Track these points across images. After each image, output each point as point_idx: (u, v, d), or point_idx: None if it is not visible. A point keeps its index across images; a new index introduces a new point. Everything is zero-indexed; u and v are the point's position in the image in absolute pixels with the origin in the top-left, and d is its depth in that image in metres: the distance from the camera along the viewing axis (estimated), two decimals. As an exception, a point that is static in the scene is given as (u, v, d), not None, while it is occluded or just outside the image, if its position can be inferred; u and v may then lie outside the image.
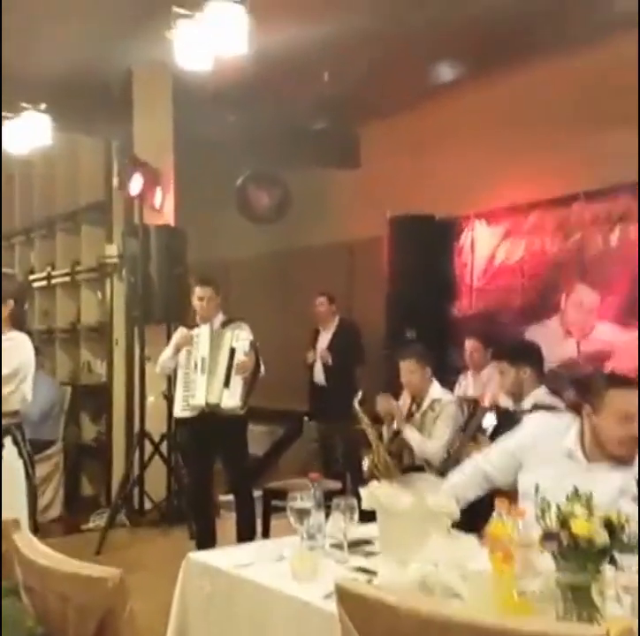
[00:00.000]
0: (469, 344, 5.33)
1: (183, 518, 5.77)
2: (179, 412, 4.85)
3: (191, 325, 4.97)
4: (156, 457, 6.07)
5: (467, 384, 5.31)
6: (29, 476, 3.63)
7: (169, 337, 6.27)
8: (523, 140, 6.27)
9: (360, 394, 4.53)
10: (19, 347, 3.61)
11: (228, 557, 2.45)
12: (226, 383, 4.69)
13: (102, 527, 5.58)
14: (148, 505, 6.19)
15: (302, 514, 2.35)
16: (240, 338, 4.74)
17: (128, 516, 6.10)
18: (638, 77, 5.11)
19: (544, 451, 2.65)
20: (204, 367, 4.72)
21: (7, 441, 3.59)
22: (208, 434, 4.80)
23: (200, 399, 4.71)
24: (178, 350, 4.89)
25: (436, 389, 4.48)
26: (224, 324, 4.92)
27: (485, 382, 5.08)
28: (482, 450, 3.73)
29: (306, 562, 2.21)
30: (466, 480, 2.81)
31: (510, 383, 3.78)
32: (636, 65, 5.06)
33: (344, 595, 1.61)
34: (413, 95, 7.00)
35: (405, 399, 4.59)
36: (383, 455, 4.31)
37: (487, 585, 1.91)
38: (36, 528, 3.62)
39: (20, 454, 3.63)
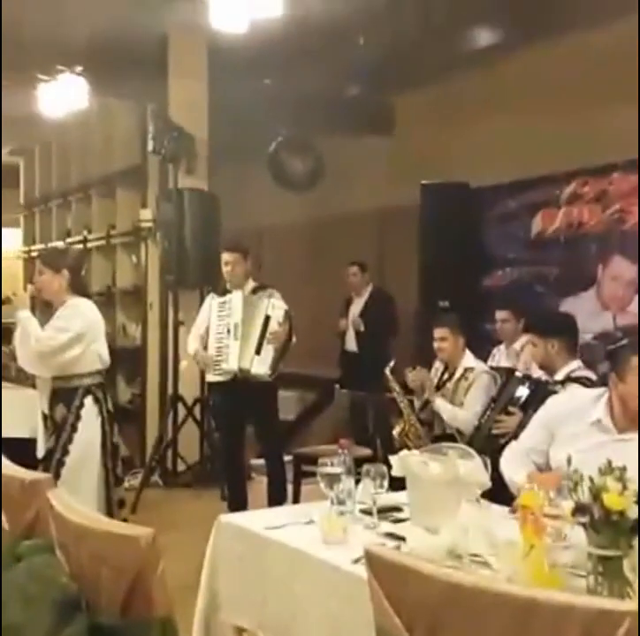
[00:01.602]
0: (500, 315, 5.27)
1: (215, 480, 5.85)
2: (212, 376, 4.89)
3: (222, 292, 4.98)
4: (189, 420, 6.15)
5: (500, 355, 5.27)
6: (106, 433, 3.75)
7: (202, 302, 6.33)
8: (561, 107, 6.14)
9: (392, 362, 4.53)
10: (82, 311, 3.78)
11: (259, 520, 2.47)
12: (258, 350, 4.71)
13: (137, 487, 5.67)
14: (181, 467, 6.28)
15: (332, 479, 2.36)
16: (276, 307, 4.75)
17: (162, 477, 6.21)
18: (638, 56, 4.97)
19: (575, 424, 2.63)
20: (237, 333, 4.74)
21: (88, 400, 3.71)
22: (239, 398, 4.84)
23: (232, 364, 4.73)
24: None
25: (469, 359, 4.46)
26: (255, 291, 4.93)
27: (518, 352, 5.03)
28: (513, 421, 3.73)
29: (335, 526, 2.23)
30: (514, 460, 2.77)
31: (543, 355, 3.73)
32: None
33: (373, 560, 1.61)
34: (449, 62, 6.87)
35: (437, 368, 4.58)
36: (413, 423, 4.32)
37: (517, 555, 1.90)
38: (117, 482, 3.79)
39: (100, 412, 3.75)
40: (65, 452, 3.70)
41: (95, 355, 3.83)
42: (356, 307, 7.06)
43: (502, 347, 5.31)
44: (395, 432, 4.34)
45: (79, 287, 3.91)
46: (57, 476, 3.58)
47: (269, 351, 4.72)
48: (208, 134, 6.53)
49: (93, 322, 3.85)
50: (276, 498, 4.82)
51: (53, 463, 3.68)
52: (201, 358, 4.86)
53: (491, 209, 6.76)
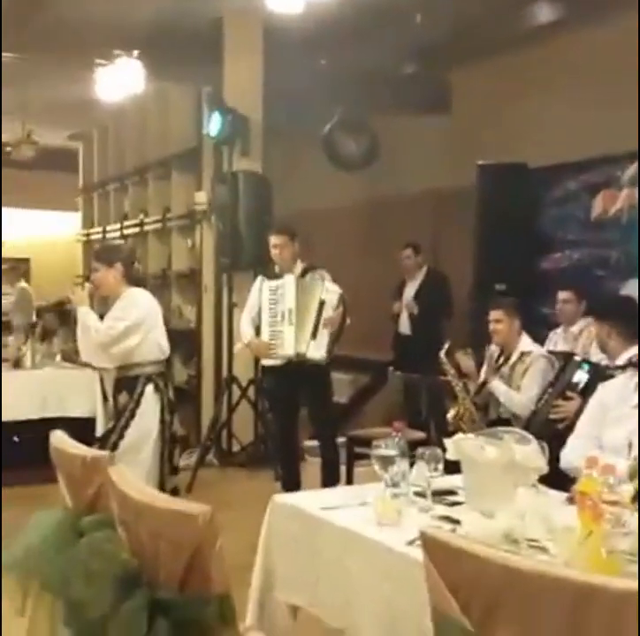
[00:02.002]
0: (562, 296, 5.18)
1: (269, 460, 5.92)
2: (267, 361, 4.93)
3: (272, 275, 4.98)
4: (244, 401, 6.21)
5: (557, 339, 5.19)
6: (165, 422, 3.84)
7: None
8: (625, 87, 5.96)
9: (447, 345, 4.50)
10: (137, 300, 3.89)
11: (313, 500, 2.49)
12: (314, 335, 4.73)
13: (193, 466, 5.76)
14: (235, 447, 6.36)
15: (386, 461, 2.36)
16: (330, 291, 4.76)
17: (217, 456, 6.29)
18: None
19: (620, 407, 2.60)
20: (291, 318, 4.75)
21: (149, 388, 3.81)
22: (294, 381, 4.88)
23: (288, 349, 4.75)
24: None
25: (525, 342, 4.41)
26: (305, 272, 4.93)
27: (577, 336, 4.95)
28: (572, 406, 3.67)
29: (389, 508, 2.23)
30: (578, 446, 2.74)
31: (603, 339, 3.66)
32: None
33: (429, 542, 1.61)
34: (507, 39, 6.73)
35: (493, 351, 4.53)
36: (468, 407, 4.29)
37: (575, 541, 1.88)
38: (172, 472, 3.88)
39: (160, 401, 3.86)
40: (121, 436, 3.82)
41: (155, 344, 3.94)
42: (410, 290, 7.02)
43: (559, 330, 5.23)
44: (450, 415, 4.32)
45: (133, 278, 4.08)
46: None
47: (324, 335, 4.74)
48: (262, 116, 6.54)
49: (149, 310, 3.96)
50: (330, 479, 4.85)
51: (108, 445, 3.78)
52: (256, 345, 4.89)
53: (551, 190, 6.62)
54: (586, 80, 6.28)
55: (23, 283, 9.29)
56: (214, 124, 6.22)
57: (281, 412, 5.13)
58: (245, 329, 5.00)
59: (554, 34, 6.46)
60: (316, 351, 4.73)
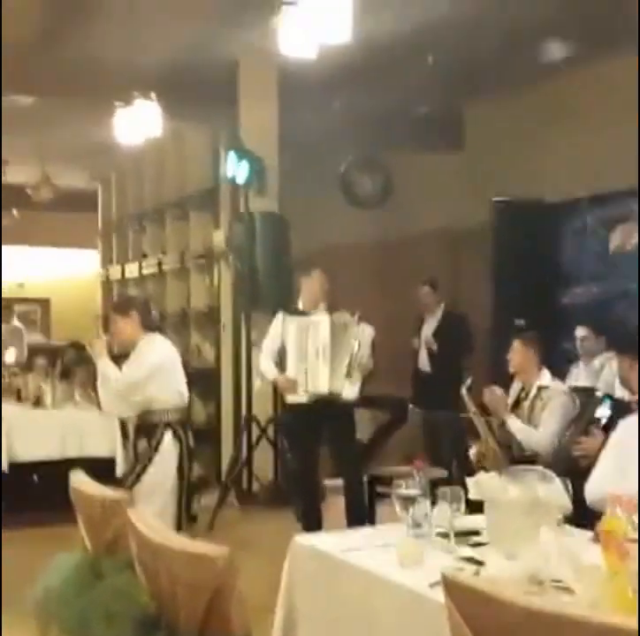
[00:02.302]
0: (580, 333, 5.15)
1: (290, 500, 5.86)
2: (293, 398, 4.88)
3: (294, 312, 4.98)
4: (264, 440, 6.19)
5: (578, 373, 5.15)
6: (183, 469, 3.86)
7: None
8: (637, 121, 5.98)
9: (468, 381, 4.46)
10: (154, 346, 3.94)
11: (334, 541, 2.47)
12: (349, 374, 4.73)
13: (213, 507, 5.72)
14: (256, 487, 6.32)
15: (408, 502, 2.34)
16: (366, 333, 4.80)
17: (237, 496, 6.25)
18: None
19: None
20: (326, 356, 4.75)
21: (168, 435, 3.83)
22: (318, 419, 4.87)
23: (322, 387, 4.76)
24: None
25: (545, 377, 4.37)
26: (329, 311, 4.94)
27: (598, 371, 4.90)
28: (595, 442, 3.62)
29: (412, 549, 2.20)
30: (602, 479, 2.70)
31: (625, 373, 3.63)
32: None
33: (450, 586, 1.59)
34: (520, 76, 6.80)
35: (515, 388, 4.49)
36: (492, 445, 4.23)
37: (601, 581, 1.85)
38: (190, 519, 3.87)
39: (180, 448, 3.91)
40: (136, 481, 3.82)
41: (174, 391, 3.97)
42: (429, 327, 7.00)
43: (581, 364, 5.19)
44: (472, 453, 4.27)
45: (150, 325, 4.10)
46: None
47: (358, 375, 4.76)
48: (278, 157, 6.61)
49: (166, 356, 4.00)
50: (356, 519, 4.77)
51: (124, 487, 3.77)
52: (284, 381, 4.88)
53: (567, 225, 6.63)
54: (600, 115, 6.32)
55: (16, 322, 9.45)
56: (241, 171, 6.27)
57: (302, 450, 5.09)
58: (267, 366, 4.99)
59: (568, 69, 6.51)
60: (351, 390, 4.77)
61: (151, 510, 3.73)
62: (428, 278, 7.06)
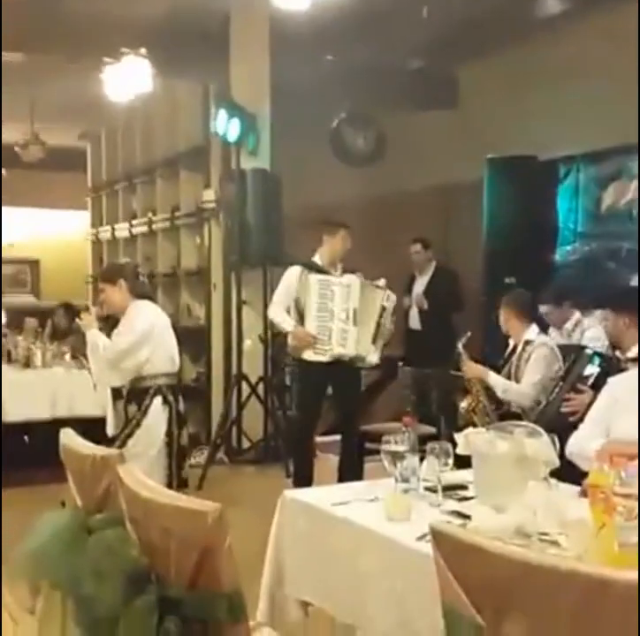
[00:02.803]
0: (543, 308, 5.08)
1: (279, 457, 5.92)
2: (312, 356, 4.85)
3: (313, 267, 4.91)
4: (253, 398, 6.22)
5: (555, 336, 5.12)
6: (172, 435, 3.89)
7: (265, 281, 6.37)
8: (631, 76, 5.92)
9: (465, 337, 4.46)
10: (142, 312, 3.92)
11: (324, 496, 2.48)
12: (374, 340, 4.75)
13: (203, 463, 5.76)
14: (245, 444, 6.36)
15: (396, 457, 2.35)
16: (390, 299, 4.81)
17: (227, 454, 6.30)
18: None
19: (630, 398, 2.58)
20: (356, 319, 4.74)
21: (157, 400, 3.83)
22: (331, 378, 4.89)
23: (349, 350, 4.77)
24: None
25: (531, 332, 4.39)
26: (345, 271, 4.94)
27: (570, 333, 4.92)
28: (583, 399, 3.65)
29: (400, 503, 2.22)
30: (585, 436, 2.72)
31: (618, 331, 3.64)
32: None
33: (439, 538, 1.60)
34: (514, 31, 6.69)
35: (510, 345, 4.51)
36: (482, 399, 4.26)
37: (587, 535, 1.87)
38: (180, 485, 3.88)
39: (169, 413, 3.91)
40: (123, 445, 3.84)
41: (166, 356, 3.97)
42: (420, 285, 7.00)
43: (552, 332, 5.15)
44: (462, 406, 4.29)
45: (139, 292, 4.07)
46: None
47: (381, 340, 4.78)
48: (270, 113, 6.53)
49: (155, 321, 3.99)
50: (350, 472, 4.81)
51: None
52: (305, 335, 4.82)
53: (561, 183, 6.59)
54: (595, 71, 6.24)
55: None
56: (232, 128, 6.19)
57: (309, 406, 5.08)
58: (282, 317, 4.93)
59: (562, 25, 6.41)
60: (375, 355, 4.80)
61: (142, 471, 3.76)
62: (419, 236, 7.04)
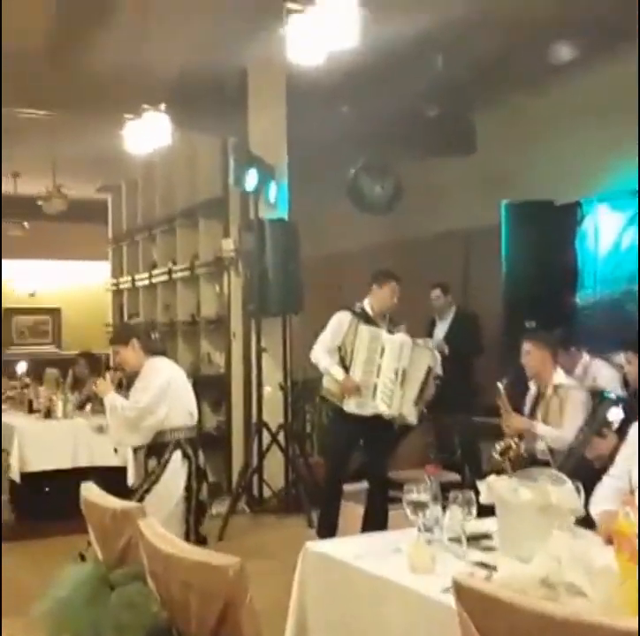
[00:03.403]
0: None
1: (300, 506, 5.86)
2: (353, 408, 4.80)
3: (362, 317, 4.88)
4: (274, 447, 6.18)
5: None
6: (191, 489, 3.89)
7: (284, 329, 6.39)
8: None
9: (505, 380, 4.38)
10: (157, 367, 3.97)
11: (345, 547, 2.46)
12: (417, 402, 4.73)
13: (224, 514, 5.72)
14: (266, 493, 6.31)
15: (418, 507, 2.33)
16: (437, 361, 4.81)
17: (248, 504, 6.24)
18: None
19: None
20: (404, 379, 4.73)
21: (177, 454, 3.84)
22: (366, 430, 4.84)
23: (394, 410, 4.74)
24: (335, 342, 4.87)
25: (559, 376, 4.34)
26: (392, 323, 4.92)
27: (582, 377, 4.87)
28: (607, 444, 3.59)
29: (423, 554, 2.19)
30: (606, 492, 2.66)
31: (637, 374, 3.61)
32: None
33: (461, 591, 1.58)
34: (530, 78, 6.79)
35: (532, 390, 4.46)
36: (517, 442, 4.18)
37: (613, 584, 1.83)
38: (199, 540, 3.85)
39: (189, 468, 3.91)
40: (141, 499, 3.80)
41: (185, 410, 3.98)
42: (440, 330, 6.98)
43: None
44: (495, 451, 4.21)
45: (153, 349, 4.10)
46: None
47: (422, 402, 4.77)
48: (288, 164, 6.63)
49: (172, 376, 4.00)
50: (378, 522, 4.74)
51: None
52: (351, 386, 4.75)
53: (579, 226, 6.60)
54: (608, 116, 6.29)
55: None
56: (250, 179, 6.28)
57: (340, 456, 5.03)
58: (329, 361, 4.84)
59: (576, 71, 6.49)
60: (414, 416, 4.77)
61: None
62: (439, 281, 7.05)
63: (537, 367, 4.36)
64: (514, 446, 4.17)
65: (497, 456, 4.18)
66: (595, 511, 2.51)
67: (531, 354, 4.36)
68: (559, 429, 4.17)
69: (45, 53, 6.15)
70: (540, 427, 4.22)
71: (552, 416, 4.24)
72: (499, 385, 4.34)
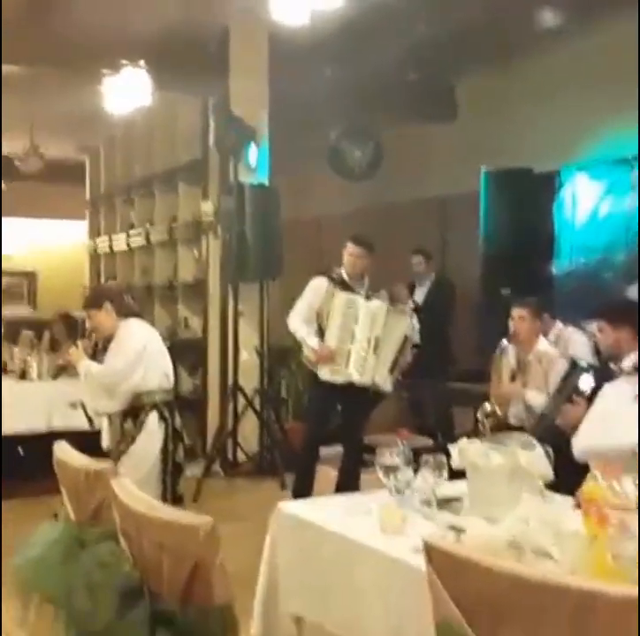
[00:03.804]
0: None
1: (275, 470, 5.90)
2: (327, 375, 4.79)
3: (339, 283, 4.85)
4: (249, 411, 6.20)
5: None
6: (168, 451, 3.88)
7: (262, 295, 6.37)
8: (630, 90, 5.95)
9: (487, 407, 4.36)
10: (132, 330, 3.91)
11: (317, 508, 2.47)
12: (392, 370, 4.71)
13: (199, 476, 5.74)
14: (241, 457, 6.34)
15: (390, 470, 2.35)
16: (415, 328, 4.75)
17: (223, 467, 6.27)
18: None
19: (618, 402, 2.58)
20: (377, 347, 4.69)
21: (153, 415, 3.82)
22: (343, 396, 4.86)
23: (367, 379, 4.72)
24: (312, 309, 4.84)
25: (542, 344, 4.37)
26: (371, 289, 4.88)
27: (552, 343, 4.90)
28: (578, 411, 3.64)
29: (394, 516, 2.21)
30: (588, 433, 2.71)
31: (609, 343, 3.64)
32: None
33: (432, 552, 1.59)
34: (512, 45, 6.73)
35: (511, 354, 4.47)
36: (502, 410, 4.21)
37: (581, 547, 1.86)
38: (175, 500, 3.86)
39: (165, 430, 3.90)
40: (118, 460, 3.80)
41: (161, 373, 3.94)
42: (418, 296, 6.98)
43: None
44: (480, 413, 4.22)
45: (127, 311, 4.05)
46: None
47: (397, 370, 4.75)
48: (268, 126, 6.55)
49: (147, 338, 3.96)
50: (349, 484, 4.78)
51: None
52: (326, 354, 4.73)
53: (557, 195, 6.61)
54: (590, 84, 6.28)
55: None
56: (230, 141, 6.20)
57: (319, 421, 5.04)
58: (305, 330, 4.82)
59: (558, 39, 6.45)
60: (388, 383, 4.75)
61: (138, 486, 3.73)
62: (420, 247, 7.03)
63: (526, 333, 4.37)
64: (498, 412, 4.20)
65: (483, 418, 4.20)
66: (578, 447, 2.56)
67: (526, 321, 4.35)
68: (544, 396, 4.20)
69: (23, 7, 6.00)
70: (530, 395, 4.25)
71: (532, 383, 4.27)
72: (480, 413, 4.34)
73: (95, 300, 4.09)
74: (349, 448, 5.03)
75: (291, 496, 4.77)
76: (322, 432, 5.02)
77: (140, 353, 3.88)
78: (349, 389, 4.81)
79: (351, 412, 5.00)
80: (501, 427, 4.07)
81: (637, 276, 5.50)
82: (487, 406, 4.25)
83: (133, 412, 3.93)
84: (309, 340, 4.82)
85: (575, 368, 3.94)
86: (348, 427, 5.06)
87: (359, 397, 4.90)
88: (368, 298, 4.84)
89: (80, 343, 4.19)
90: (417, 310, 6.64)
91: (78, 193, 11.11)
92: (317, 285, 4.88)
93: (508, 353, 4.46)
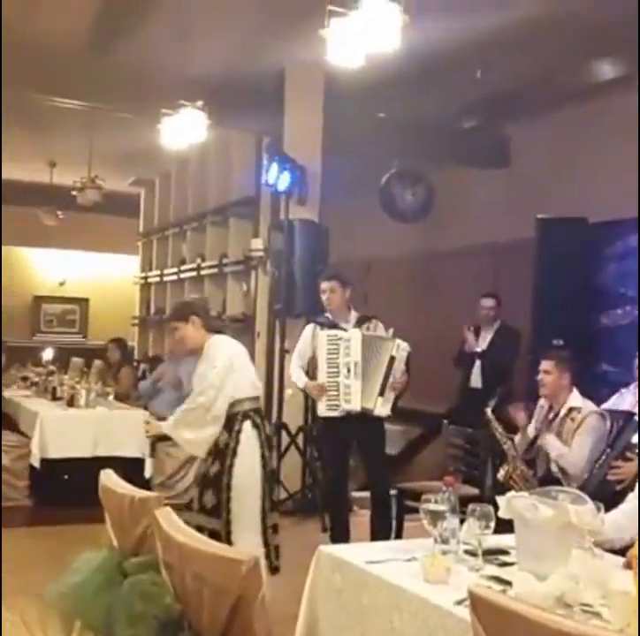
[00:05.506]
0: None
1: (316, 510, 5.84)
2: (325, 411, 4.82)
3: (326, 323, 4.94)
4: (292, 448, 6.18)
5: (628, 396, 4.97)
6: (265, 458, 3.83)
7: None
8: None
9: (493, 402, 4.38)
10: (221, 344, 3.90)
11: (360, 553, 2.44)
12: (382, 392, 4.69)
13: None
14: (282, 495, 6.30)
15: (436, 517, 2.31)
16: (401, 348, 4.72)
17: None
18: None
19: None
20: (357, 372, 4.71)
21: (247, 424, 3.81)
22: (349, 432, 4.83)
23: (355, 405, 4.71)
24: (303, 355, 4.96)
25: (575, 398, 4.30)
26: (360, 321, 4.92)
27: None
28: (631, 467, 3.55)
29: (438, 564, 2.17)
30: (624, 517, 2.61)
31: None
32: None
33: (478, 602, 1.56)
34: (567, 94, 6.74)
35: (543, 405, 4.42)
36: (519, 465, 4.17)
37: (629, 606, 1.80)
38: (272, 508, 3.84)
39: (259, 438, 3.84)
40: (231, 477, 3.73)
41: (247, 382, 3.89)
42: (483, 340, 6.77)
43: (632, 387, 4.99)
44: (500, 475, 4.19)
45: (213, 326, 4.01)
46: (226, 500, 3.69)
47: (390, 392, 4.71)
48: (321, 166, 6.63)
49: (234, 352, 3.92)
50: (381, 531, 4.74)
51: (222, 486, 3.72)
52: (313, 388, 4.84)
53: (610, 245, 6.53)
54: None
55: None
56: (283, 180, 6.28)
57: (334, 461, 5.04)
58: (297, 374, 4.98)
59: (614, 90, 6.44)
60: (384, 407, 4.71)
61: (249, 502, 3.71)
62: (492, 291, 6.92)
63: (553, 386, 4.31)
64: (516, 467, 4.14)
65: (501, 479, 4.15)
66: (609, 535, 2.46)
67: (551, 373, 4.31)
68: (566, 447, 4.13)
69: (87, 44, 6.21)
70: (549, 438, 4.19)
71: (563, 437, 4.20)
72: (488, 411, 4.30)
73: (181, 313, 4.01)
74: (374, 489, 4.95)
75: (329, 539, 4.73)
76: (341, 473, 4.95)
77: (229, 365, 3.82)
78: (357, 425, 4.76)
79: (367, 451, 4.95)
80: (533, 482, 4.00)
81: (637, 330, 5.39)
82: (501, 472, 4.19)
83: (226, 422, 3.81)
84: (299, 383, 4.95)
85: (629, 423, 3.85)
86: (368, 469, 5.01)
87: (370, 433, 4.84)
88: (344, 330, 4.85)
89: (145, 425, 4.20)
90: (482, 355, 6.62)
91: (132, 225, 11.35)
92: (305, 332, 5.05)
93: (539, 406, 4.41)
